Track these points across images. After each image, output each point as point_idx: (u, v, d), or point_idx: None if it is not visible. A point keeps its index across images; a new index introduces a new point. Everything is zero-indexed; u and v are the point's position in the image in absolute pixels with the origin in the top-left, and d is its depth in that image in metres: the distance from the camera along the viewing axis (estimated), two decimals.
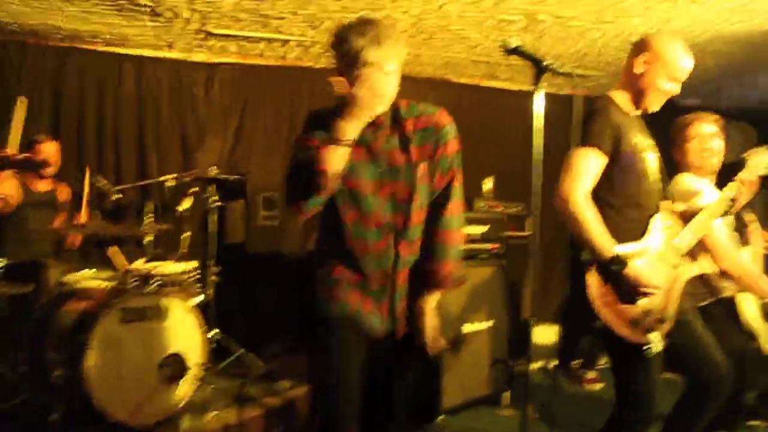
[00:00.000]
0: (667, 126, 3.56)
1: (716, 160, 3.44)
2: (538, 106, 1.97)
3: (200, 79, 5.36)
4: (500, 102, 6.15)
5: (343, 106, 2.02)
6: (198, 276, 4.31)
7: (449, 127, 2.30)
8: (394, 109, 2.21)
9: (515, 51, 2.09)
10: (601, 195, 2.61)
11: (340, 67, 2.07)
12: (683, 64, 2.74)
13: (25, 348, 3.65)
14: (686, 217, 2.89)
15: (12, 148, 3.74)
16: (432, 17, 4.45)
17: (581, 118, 2.64)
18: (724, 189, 3.01)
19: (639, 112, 2.81)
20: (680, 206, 3.05)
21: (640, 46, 2.77)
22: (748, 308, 3.55)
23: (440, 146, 2.26)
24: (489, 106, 6.14)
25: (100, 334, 3.30)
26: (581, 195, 2.54)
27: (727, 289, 3.47)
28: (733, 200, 2.98)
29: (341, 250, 2.22)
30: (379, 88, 2.03)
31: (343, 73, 2.05)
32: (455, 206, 2.31)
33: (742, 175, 3.02)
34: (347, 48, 2.01)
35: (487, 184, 5.24)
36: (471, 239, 4.75)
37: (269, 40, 4.95)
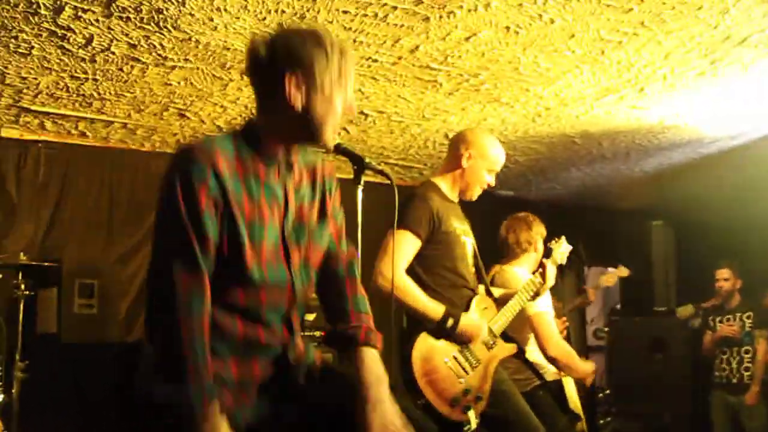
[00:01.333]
0: (485, 213, 3.85)
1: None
2: (359, 198, 2.04)
3: (11, 157, 5.01)
4: None
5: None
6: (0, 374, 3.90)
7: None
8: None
9: (337, 149, 2.17)
10: (420, 276, 2.78)
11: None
12: (501, 158, 3.04)
13: None
14: (502, 302, 3.10)
15: None
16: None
17: (405, 198, 2.80)
18: (530, 276, 3.27)
19: (459, 198, 3.04)
20: (498, 291, 3.26)
21: (463, 142, 3.02)
22: (573, 390, 3.81)
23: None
24: None
25: None
26: (398, 271, 2.68)
27: (551, 373, 3.71)
28: (540, 284, 3.21)
29: None
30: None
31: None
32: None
33: (546, 261, 3.28)
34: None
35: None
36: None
37: (91, 120, 4.76)
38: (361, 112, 4.62)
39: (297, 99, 1.62)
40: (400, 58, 3.72)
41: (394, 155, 5.67)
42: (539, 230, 3.83)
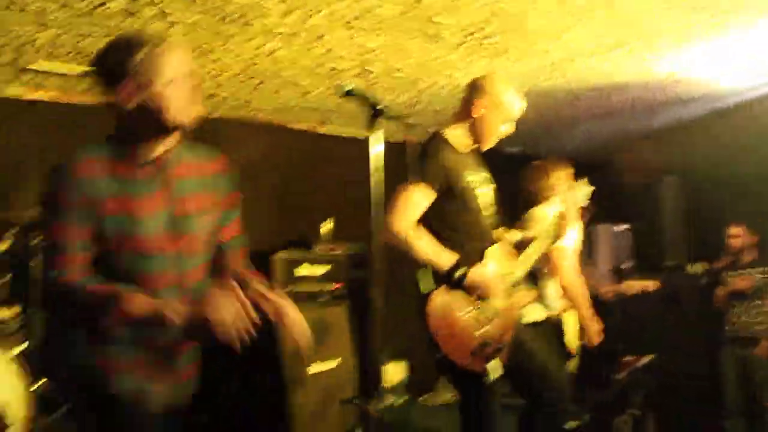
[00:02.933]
0: (492, 171, 3.79)
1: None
2: (376, 147, 2.00)
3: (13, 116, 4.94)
4: (334, 147, 6.19)
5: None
6: (21, 323, 3.91)
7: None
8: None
9: (350, 93, 2.12)
10: (435, 229, 2.72)
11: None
12: (518, 106, 2.93)
13: None
14: (521, 247, 3.04)
15: None
16: (263, 62, 4.44)
17: (418, 152, 2.74)
18: (549, 219, 3.21)
19: (472, 148, 2.95)
20: (516, 235, 3.22)
21: (478, 90, 2.91)
22: (571, 327, 3.78)
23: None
24: (323, 151, 6.18)
25: None
26: (404, 225, 2.64)
27: (558, 308, 3.68)
28: (560, 226, 3.14)
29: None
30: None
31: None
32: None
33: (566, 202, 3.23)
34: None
35: (326, 227, 5.26)
36: (311, 279, 4.74)
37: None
38: (366, 69, 4.54)
39: (131, 102, 1.79)
40: (403, 12, 3.62)
41: (399, 112, 5.58)
42: (558, 175, 3.76)
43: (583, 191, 3.32)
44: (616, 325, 5.66)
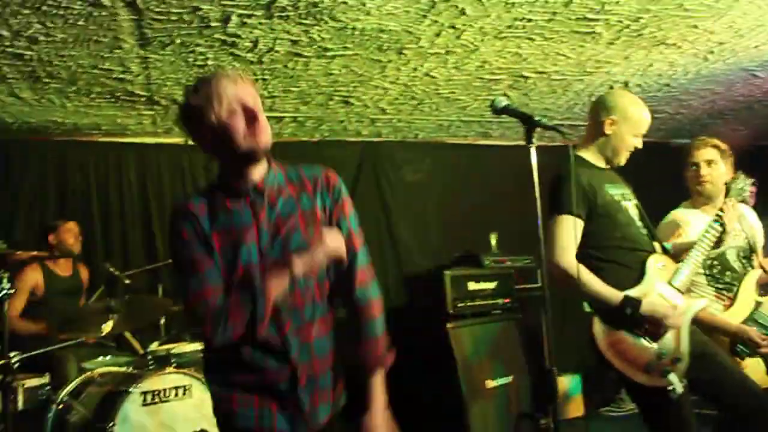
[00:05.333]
0: (661, 167, 3.65)
1: (709, 187, 3.43)
2: (533, 160, 2.03)
3: (200, 162, 5.47)
4: (495, 158, 6.22)
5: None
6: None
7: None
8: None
9: (504, 110, 2.17)
10: (591, 252, 2.67)
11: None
12: (646, 118, 2.85)
13: None
14: (678, 255, 2.93)
15: None
16: (420, 84, 4.60)
17: (551, 181, 2.71)
18: (709, 221, 3.03)
19: (607, 166, 2.90)
20: (668, 245, 3.10)
21: (603, 108, 2.86)
22: None
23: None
24: (485, 163, 6.23)
25: (122, 419, 3.31)
26: (570, 261, 2.60)
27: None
28: (722, 229, 2.99)
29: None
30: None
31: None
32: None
33: (726, 200, 3.06)
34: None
35: (492, 240, 5.31)
36: (483, 295, 4.79)
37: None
38: (521, 75, 4.57)
39: (206, 141, 1.90)
40: (554, 13, 3.64)
41: (559, 115, 5.55)
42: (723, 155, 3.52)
43: (741, 185, 3.13)
44: None
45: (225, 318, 1.79)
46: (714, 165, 3.44)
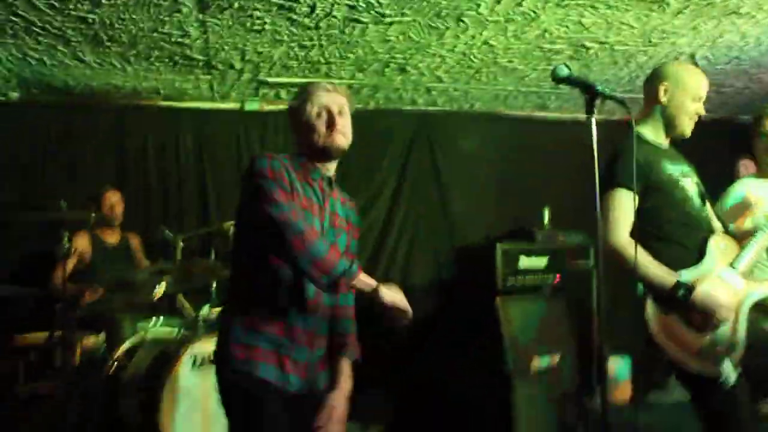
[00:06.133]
0: (726, 145, 3.51)
1: None
2: (593, 131, 1.96)
3: (256, 127, 5.50)
4: (551, 132, 6.01)
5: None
6: None
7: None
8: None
9: (565, 80, 2.10)
10: (647, 230, 2.59)
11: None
12: (702, 82, 2.75)
13: (99, 398, 3.75)
14: (743, 236, 2.81)
15: None
16: (478, 52, 4.50)
17: (608, 157, 2.63)
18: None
19: (669, 141, 2.79)
20: (732, 226, 2.98)
21: (658, 76, 2.79)
22: None
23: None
24: (540, 136, 6.05)
25: (173, 381, 3.38)
26: (624, 237, 2.54)
27: None
28: None
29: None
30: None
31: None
32: None
33: None
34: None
35: (545, 215, 5.21)
36: (533, 271, 4.73)
37: None
38: (582, 45, 4.43)
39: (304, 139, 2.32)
40: None
41: (620, 88, 5.38)
42: None
43: None
44: None
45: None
46: None
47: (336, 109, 2.27)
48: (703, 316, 2.49)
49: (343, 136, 2.28)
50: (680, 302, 2.49)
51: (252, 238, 2.19)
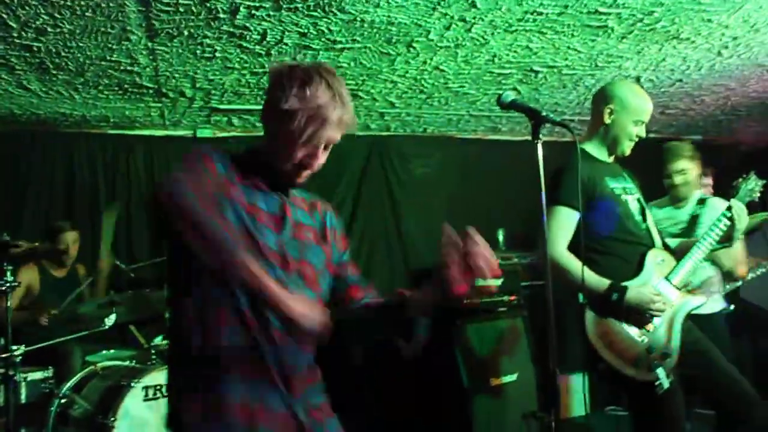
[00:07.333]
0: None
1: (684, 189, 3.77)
2: (540, 155, 1.99)
3: None
4: (504, 153, 6.16)
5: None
6: None
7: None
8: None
9: (511, 105, 2.13)
10: (586, 244, 2.64)
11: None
12: (646, 106, 2.84)
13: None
14: (682, 252, 2.89)
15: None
16: (429, 77, 4.55)
17: (552, 173, 2.68)
18: (715, 219, 2.97)
19: (612, 158, 2.88)
20: (674, 242, 3.08)
21: (602, 98, 2.87)
22: None
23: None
24: (493, 158, 6.18)
25: (123, 414, 3.30)
26: (560, 249, 2.63)
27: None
28: (731, 224, 2.91)
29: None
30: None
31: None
32: None
33: (732, 201, 2.98)
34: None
35: (499, 236, 5.26)
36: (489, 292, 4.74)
37: None
38: (531, 69, 4.52)
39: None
40: (566, 6, 3.58)
41: (569, 111, 5.50)
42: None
43: (751, 186, 3.04)
44: None
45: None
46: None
47: (329, 145, 1.91)
48: (638, 314, 2.60)
49: (310, 173, 1.91)
50: (615, 305, 2.58)
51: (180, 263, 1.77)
